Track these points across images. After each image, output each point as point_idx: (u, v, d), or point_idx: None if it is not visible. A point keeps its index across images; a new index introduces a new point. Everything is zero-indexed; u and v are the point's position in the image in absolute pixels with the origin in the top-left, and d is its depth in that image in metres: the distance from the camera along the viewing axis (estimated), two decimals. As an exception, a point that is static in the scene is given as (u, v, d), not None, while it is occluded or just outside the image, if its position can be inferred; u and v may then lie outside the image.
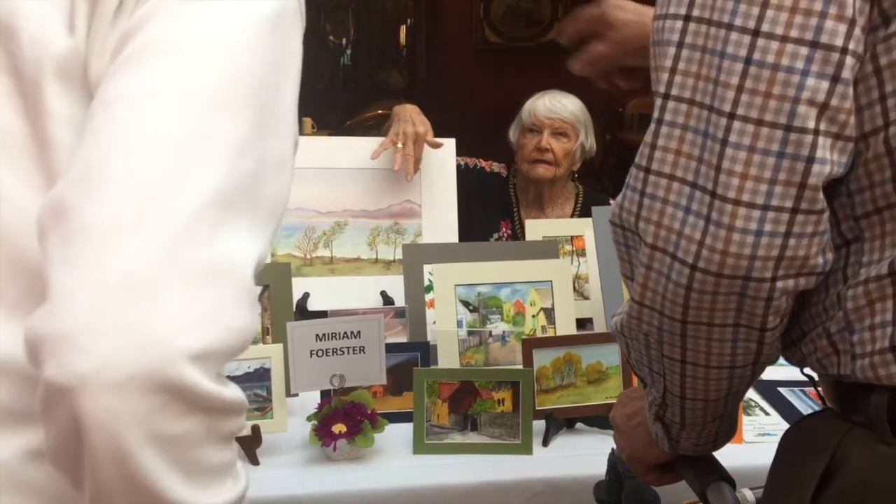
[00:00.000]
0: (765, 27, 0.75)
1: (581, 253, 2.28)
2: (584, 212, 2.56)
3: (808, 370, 0.91)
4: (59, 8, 0.68)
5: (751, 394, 1.88)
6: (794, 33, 0.75)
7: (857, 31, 0.75)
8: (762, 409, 1.82)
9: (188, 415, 0.59)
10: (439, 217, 2.26)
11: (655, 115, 0.82)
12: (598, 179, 4.22)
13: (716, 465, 1.04)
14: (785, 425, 1.38)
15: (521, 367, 1.74)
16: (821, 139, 0.75)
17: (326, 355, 1.60)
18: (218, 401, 0.60)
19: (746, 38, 0.76)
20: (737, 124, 0.76)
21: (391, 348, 1.72)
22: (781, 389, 1.89)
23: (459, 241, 2.28)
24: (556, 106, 2.57)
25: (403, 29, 5.28)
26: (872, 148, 0.77)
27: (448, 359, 1.89)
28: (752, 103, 0.76)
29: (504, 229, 2.63)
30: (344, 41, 5.33)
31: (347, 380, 1.60)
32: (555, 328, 1.99)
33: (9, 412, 0.67)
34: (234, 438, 0.65)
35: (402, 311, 2.00)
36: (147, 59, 0.64)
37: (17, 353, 0.65)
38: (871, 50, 0.76)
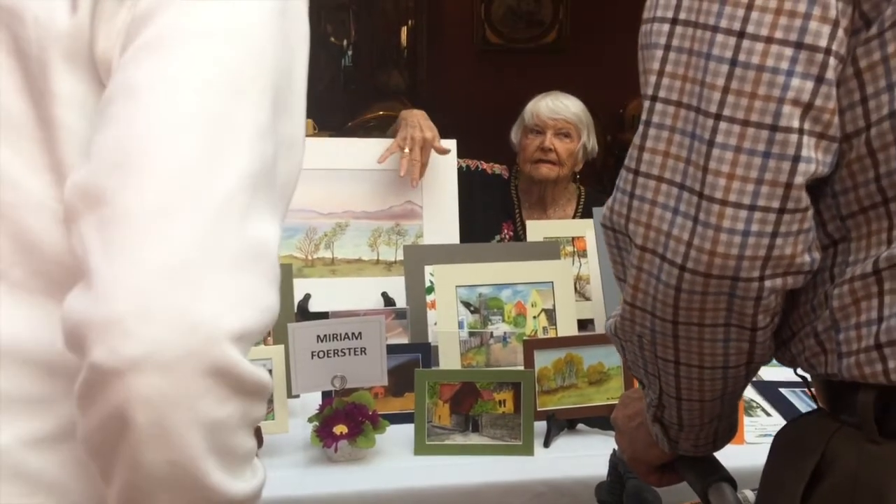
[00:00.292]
0: (750, 28, 0.76)
1: (582, 254, 2.29)
2: (585, 213, 2.56)
3: (801, 371, 0.91)
4: None
5: (752, 395, 1.88)
6: (778, 34, 0.75)
7: (840, 33, 0.75)
8: (763, 409, 1.82)
9: (230, 398, 0.61)
10: (440, 218, 2.27)
11: (644, 116, 0.83)
12: (599, 180, 4.22)
13: (717, 465, 1.04)
14: (786, 426, 1.38)
15: (522, 368, 1.74)
16: (805, 138, 0.76)
17: (328, 356, 1.60)
18: (255, 382, 0.62)
19: (732, 40, 0.76)
20: (723, 125, 0.77)
21: (392, 349, 1.72)
22: (783, 390, 1.89)
23: (461, 242, 2.28)
24: (558, 107, 2.58)
25: (404, 30, 5.28)
26: (855, 149, 0.78)
27: (449, 360, 1.89)
28: (737, 104, 0.76)
29: (506, 231, 2.63)
30: (345, 42, 5.33)
31: (349, 381, 1.60)
32: (556, 329, 1.99)
33: (9, 398, 0.67)
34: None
35: (404, 313, 2.00)
36: (169, 46, 0.64)
37: (19, 337, 0.67)
38: (851, 53, 0.76)
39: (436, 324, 1.96)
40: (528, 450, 1.63)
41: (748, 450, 1.56)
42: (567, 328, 1.99)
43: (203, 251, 0.60)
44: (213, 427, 0.60)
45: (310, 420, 1.63)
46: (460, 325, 1.94)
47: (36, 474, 0.67)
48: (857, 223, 0.81)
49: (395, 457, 1.62)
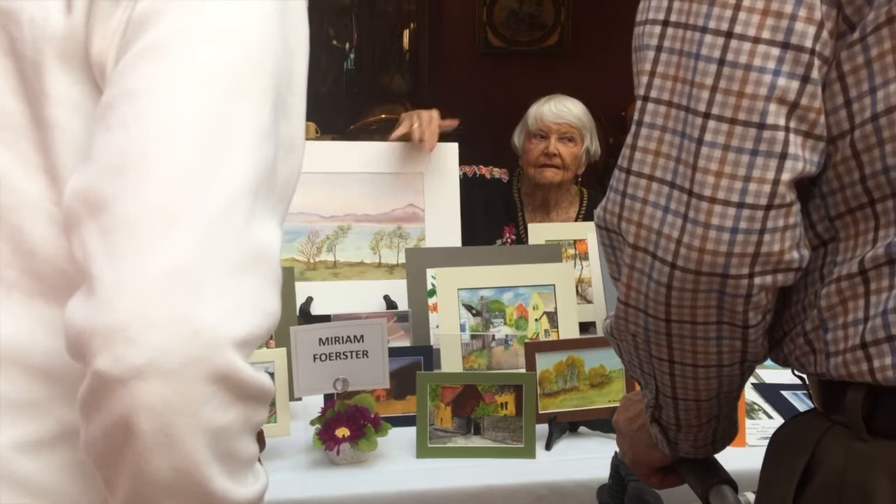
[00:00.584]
0: (737, 29, 0.77)
1: (584, 257, 2.29)
2: (588, 215, 2.56)
3: (796, 371, 0.92)
4: None
5: (754, 397, 1.88)
6: (765, 34, 0.76)
7: (825, 34, 0.76)
8: (766, 412, 1.82)
9: (232, 404, 0.61)
10: (442, 221, 2.27)
11: (635, 117, 0.84)
12: (602, 182, 4.22)
13: (717, 468, 1.05)
14: (788, 429, 1.38)
15: (524, 370, 1.74)
16: (792, 136, 0.77)
17: (330, 359, 1.60)
18: (257, 387, 0.62)
19: (720, 40, 0.77)
20: (711, 124, 0.78)
21: (394, 352, 1.73)
22: (785, 393, 1.89)
23: (463, 246, 2.29)
24: (562, 111, 2.58)
25: (406, 33, 5.28)
26: (840, 151, 0.79)
27: (451, 363, 1.89)
28: (725, 103, 0.77)
29: (508, 235, 2.63)
30: (347, 45, 5.34)
31: (350, 384, 1.61)
32: (558, 332, 2.00)
33: (4, 402, 0.67)
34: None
35: (406, 316, 2.00)
36: (168, 50, 0.64)
37: (15, 340, 0.67)
38: (836, 56, 0.77)
39: (437, 327, 1.96)
40: (529, 452, 1.63)
41: (750, 452, 1.56)
42: (569, 331, 1.99)
43: (205, 257, 0.60)
44: (217, 433, 0.61)
45: (312, 423, 1.63)
46: (462, 328, 1.94)
47: (30, 479, 0.67)
48: (844, 223, 0.82)
49: (396, 459, 1.62)
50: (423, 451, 1.63)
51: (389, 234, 2.25)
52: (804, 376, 0.92)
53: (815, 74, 0.76)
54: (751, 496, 1.11)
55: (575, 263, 2.27)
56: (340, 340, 1.60)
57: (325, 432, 1.58)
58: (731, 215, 0.77)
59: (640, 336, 0.87)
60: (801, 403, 1.84)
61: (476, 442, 1.64)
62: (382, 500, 1.51)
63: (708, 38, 0.78)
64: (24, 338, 0.68)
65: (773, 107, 0.76)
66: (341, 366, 1.60)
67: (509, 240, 2.62)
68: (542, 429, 1.69)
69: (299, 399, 1.73)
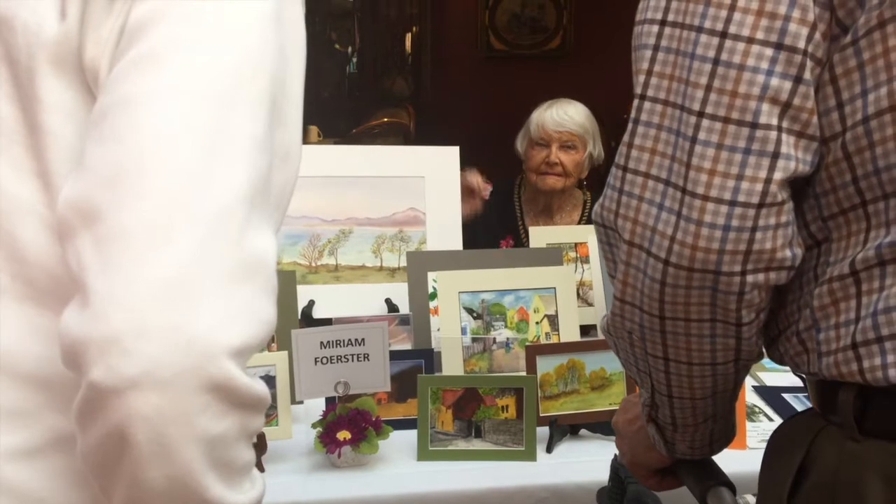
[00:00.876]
0: (732, 29, 0.78)
1: (585, 260, 2.29)
2: (591, 219, 2.56)
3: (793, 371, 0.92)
4: None
5: (755, 400, 1.88)
6: (759, 35, 0.77)
7: (818, 36, 0.77)
8: (766, 415, 1.82)
9: (228, 413, 0.61)
10: (443, 224, 2.27)
11: (632, 115, 0.85)
12: (604, 185, 4.22)
13: (715, 469, 1.05)
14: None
15: (524, 373, 1.74)
16: (784, 136, 0.78)
17: (331, 363, 1.60)
18: (252, 396, 0.62)
19: (715, 40, 0.78)
20: (705, 122, 0.79)
21: (395, 355, 1.73)
22: (786, 395, 1.89)
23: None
24: (563, 118, 2.57)
25: (409, 37, 5.29)
26: (833, 152, 0.80)
27: (452, 366, 1.89)
28: (719, 102, 0.78)
29: (510, 241, 2.63)
30: (349, 49, 5.35)
31: (352, 387, 1.61)
32: (558, 335, 2.00)
33: None
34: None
35: (407, 319, 2.01)
36: (162, 59, 0.64)
37: (5, 347, 0.67)
38: (829, 58, 0.78)
39: (438, 330, 1.96)
40: (530, 455, 1.64)
41: (750, 455, 1.56)
42: (569, 334, 2.00)
43: (200, 267, 0.60)
44: (213, 442, 0.61)
45: (313, 426, 1.63)
46: (463, 331, 1.95)
47: (22, 487, 0.67)
48: (837, 224, 0.82)
49: (398, 462, 1.63)
50: (424, 453, 1.64)
51: (391, 238, 2.25)
52: (803, 375, 0.93)
53: (807, 75, 0.77)
54: (750, 498, 1.12)
55: (576, 267, 2.27)
56: (342, 344, 1.61)
57: (327, 435, 1.58)
58: (723, 213, 0.78)
59: (635, 333, 0.88)
60: (802, 406, 1.84)
61: (477, 445, 1.65)
62: (383, 502, 1.51)
63: (703, 37, 0.79)
64: (15, 345, 0.67)
65: (765, 106, 0.77)
66: (342, 369, 1.61)
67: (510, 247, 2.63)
68: (543, 431, 1.69)
69: (301, 402, 1.74)
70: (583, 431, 1.74)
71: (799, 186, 0.82)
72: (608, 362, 1.75)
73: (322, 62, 5.22)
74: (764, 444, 1.64)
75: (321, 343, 1.60)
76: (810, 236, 0.84)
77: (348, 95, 5.30)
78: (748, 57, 0.77)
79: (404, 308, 2.09)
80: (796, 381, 1.95)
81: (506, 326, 1.98)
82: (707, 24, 0.79)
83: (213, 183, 0.62)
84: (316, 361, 1.60)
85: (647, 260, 0.82)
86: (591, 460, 1.58)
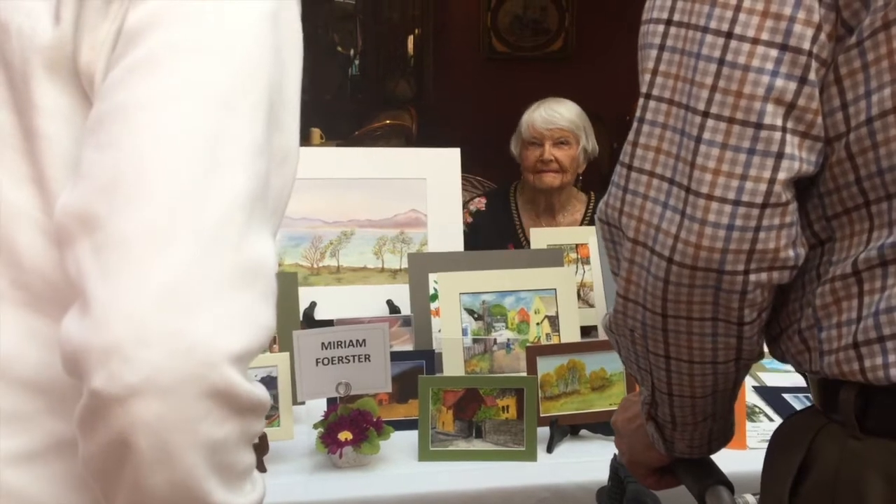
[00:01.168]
0: (737, 30, 0.78)
1: (586, 261, 2.30)
2: (594, 220, 2.57)
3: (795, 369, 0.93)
4: None
5: (755, 400, 1.89)
6: (764, 36, 0.77)
7: (823, 37, 0.78)
8: (766, 415, 1.83)
9: (229, 418, 0.61)
10: (445, 226, 2.28)
11: (637, 114, 0.85)
12: (605, 186, 4.23)
13: (713, 468, 1.05)
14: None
15: (525, 374, 1.75)
16: (788, 136, 0.78)
17: (332, 364, 1.61)
18: (252, 401, 0.62)
19: (720, 41, 0.79)
20: (710, 122, 0.79)
21: (397, 356, 1.74)
22: (786, 396, 1.89)
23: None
24: (552, 116, 2.59)
25: (411, 39, 5.30)
26: (836, 152, 0.80)
27: (453, 366, 1.90)
28: (724, 102, 0.79)
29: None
30: (352, 52, 5.36)
31: (353, 388, 1.62)
32: (559, 336, 2.01)
33: None
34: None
35: (409, 320, 2.01)
36: (159, 65, 0.64)
37: (3, 352, 0.67)
38: (834, 59, 0.79)
39: (440, 331, 1.97)
40: (531, 455, 1.64)
41: (750, 455, 1.57)
42: (570, 335, 2.00)
43: (199, 274, 0.60)
44: (214, 447, 0.61)
45: (315, 426, 1.64)
46: (464, 332, 1.95)
47: (22, 492, 0.67)
48: (840, 224, 0.83)
49: (399, 463, 1.63)
50: (425, 454, 1.64)
51: (392, 240, 2.26)
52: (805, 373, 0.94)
53: (812, 76, 0.77)
54: (749, 498, 1.12)
55: (577, 268, 2.28)
56: (343, 345, 1.61)
57: (328, 436, 1.59)
58: (727, 212, 0.78)
59: (637, 331, 0.89)
60: (802, 406, 1.84)
61: (478, 445, 1.65)
62: (385, 503, 1.52)
63: (709, 37, 0.79)
64: (13, 350, 0.67)
65: (770, 107, 0.77)
66: (344, 370, 1.61)
67: None
68: (544, 432, 1.70)
69: (302, 403, 1.74)
70: (583, 432, 1.75)
71: (803, 186, 0.82)
72: (608, 363, 1.76)
73: (324, 64, 5.23)
74: (764, 445, 1.64)
75: (322, 344, 1.61)
76: (814, 235, 0.85)
77: (350, 98, 5.31)
78: (753, 57, 0.77)
79: (405, 309, 2.10)
80: (797, 382, 1.96)
81: (506, 327, 1.99)
82: (713, 25, 0.79)
83: (213, 189, 0.62)
84: (317, 362, 1.61)
85: (650, 258, 0.82)
86: (592, 460, 1.58)
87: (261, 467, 1.57)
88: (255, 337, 0.62)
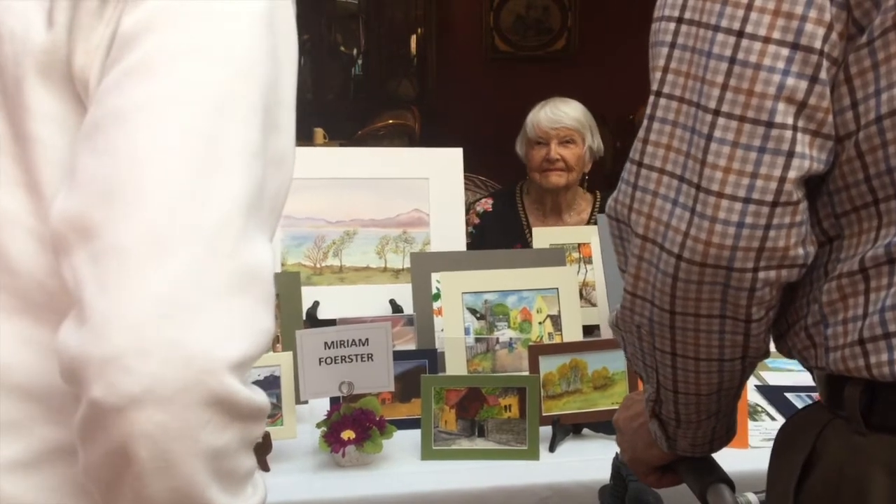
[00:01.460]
0: (749, 28, 0.78)
1: (588, 260, 2.30)
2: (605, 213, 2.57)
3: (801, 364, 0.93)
4: (38, 1, 0.67)
5: (757, 399, 1.89)
6: (776, 35, 0.78)
7: (834, 36, 0.78)
8: (769, 414, 1.83)
9: (229, 425, 0.61)
10: (447, 226, 2.28)
11: (648, 111, 0.85)
12: (609, 185, 4.24)
13: (715, 467, 1.06)
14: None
15: (527, 373, 1.75)
16: (799, 135, 0.78)
17: (335, 363, 1.62)
18: (252, 407, 0.62)
19: (731, 39, 0.79)
20: (721, 120, 0.79)
21: (399, 355, 1.74)
22: (788, 395, 1.90)
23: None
24: (558, 115, 2.59)
25: (414, 38, 5.31)
26: (846, 151, 0.81)
27: (455, 366, 1.91)
28: (735, 101, 0.79)
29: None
30: (355, 51, 5.37)
31: (356, 387, 1.62)
32: (561, 335, 2.01)
33: None
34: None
35: (411, 319, 2.02)
36: (155, 70, 0.63)
37: None
38: (845, 58, 0.79)
39: (442, 330, 1.97)
40: (533, 454, 1.65)
41: (752, 454, 1.57)
42: (572, 334, 2.01)
43: (197, 282, 0.60)
44: (215, 455, 0.61)
45: (318, 425, 1.64)
46: (466, 332, 1.96)
47: (16, 500, 0.67)
48: (849, 221, 0.83)
49: (401, 462, 1.64)
50: (427, 453, 1.65)
51: (395, 239, 2.27)
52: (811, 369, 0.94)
53: (823, 75, 0.78)
54: (751, 496, 1.12)
55: (579, 267, 2.28)
56: (346, 344, 1.62)
57: (331, 435, 1.59)
58: (737, 210, 0.79)
59: (644, 328, 0.89)
60: (805, 405, 1.84)
61: (480, 444, 1.66)
62: (387, 501, 1.52)
63: (720, 36, 0.79)
64: (7, 357, 0.67)
65: (781, 106, 0.78)
66: (347, 369, 1.62)
67: None
68: (546, 431, 1.70)
69: (305, 402, 1.75)
70: (585, 431, 1.75)
71: (813, 184, 0.82)
72: (611, 362, 1.76)
73: (327, 64, 5.24)
74: (765, 444, 1.66)
75: (325, 343, 1.61)
76: (822, 233, 0.85)
77: (353, 97, 5.32)
78: (764, 56, 0.78)
79: (408, 309, 2.10)
80: (799, 381, 1.96)
81: (509, 326, 1.99)
82: (724, 23, 0.79)
83: (210, 196, 0.61)
84: (320, 362, 1.61)
85: (659, 255, 0.83)
86: (594, 459, 1.58)
87: (264, 466, 1.58)
88: (254, 343, 0.62)
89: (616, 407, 1.68)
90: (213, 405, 0.59)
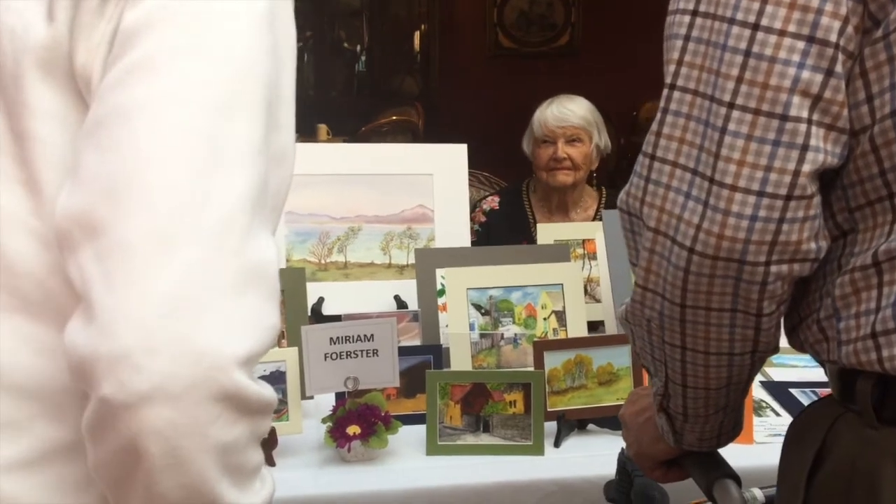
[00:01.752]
0: (764, 21, 0.78)
1: (593, 256, 2.30)
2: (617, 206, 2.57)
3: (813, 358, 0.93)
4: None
5: (762, 395, 1.89)
6: (791, 28, 0.78)
7: (850, 30, 0.78)
8: (773, 409, 1.83)
9: (238, 421, 0.61)
10: (452, 221, 2.28)
11: (662, 104, 0.85)
12: (613, 182, 4.23)
13: (721, 462, 1.06)
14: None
15: (532, 369, 1.75)
16: (814, 129, 0.78)
17: (340, 358, 1.62)
18: (261, 402, 0.63)
19: (747, 32, 0.79)
20: (735, 113, 0.79)
21: (404, 351, 1.75)
22: (793, 390, 1.90)
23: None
24: (564, 113, 2.58)
25: (417, 35, 5.30)
26: (861, 145, 0.81)
27: (460, 361, 1.91)
28: (750, 94, 0.79)
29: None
30: (358, 48, 5.37)
31: (361, 382, 1.62)
32: (566, 330, 2.01)
33: None
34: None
35: (416, 315, 2.02)
36: (157, 67, 0.63)
37: None
38: (860, 52, 0.79)
39: (447, 326, 1.98)
40: (538, 450, 1.65)
41: (757, 449, 1.57)
42: (577, 329, 2.01)
43: (204, 278, 0.60)
44: (225, 450, 0.61)
45: (323, 421, 1.65)
46: (471, 327, 1.96)
47: (16, 500, 0.66)
48: (863, 215, 0.83)
49: (407, 457, 1.64)
50: (432, 448, 1.65)
51: (399, 235, 2.27)
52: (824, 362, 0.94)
53: (838, 68, 0.78)
54: (757, 491, 1.12)
55: (583, 263, 2.28)
56: (351, 340, 1.62)
57: (337, 430, 1.60)
58: (750, 203, 0.79)
59: (654, 321, 0.89)
60: (809, 401, 1.85)
61: (485, 439, 1.66)
62: (393, 496, 1.53)
63: (735, 29, 0.79)
64: (6, 356, 0.66)
65: (796, 99, 0.78)
66: (352, 365, 1.62)
67: None
68: (551, 426, 1.70)
69: (311, 397, 1.75)
70: (590, 426, 1.75)
71: (828, 178, 0.82)
72: (615, 358, 1.76)
73: (331, 61, 5.24)
74: (771, 439, 1.66)
75: (331, 339, 1.61)
76: (836, 227, 0.85)
77: (357, 94, 5.32)
78: (780, 49, 0.78)
79: (413, 305, 2.10)
80: (804, 377, 1.96)
81: (513, 322, 1.99)
82: (739, 16, 0.79)
83: (214, 193, 0.61)
84: (326, 357, 1.61)
85: (671, 248, 0.83)
86: (599, 454, 1.58)
87: (270, 461, 1.58)
88: (261, 338, 0.62)
89: (621, 402, 1.68)
90: (222, 401, 0.60)
